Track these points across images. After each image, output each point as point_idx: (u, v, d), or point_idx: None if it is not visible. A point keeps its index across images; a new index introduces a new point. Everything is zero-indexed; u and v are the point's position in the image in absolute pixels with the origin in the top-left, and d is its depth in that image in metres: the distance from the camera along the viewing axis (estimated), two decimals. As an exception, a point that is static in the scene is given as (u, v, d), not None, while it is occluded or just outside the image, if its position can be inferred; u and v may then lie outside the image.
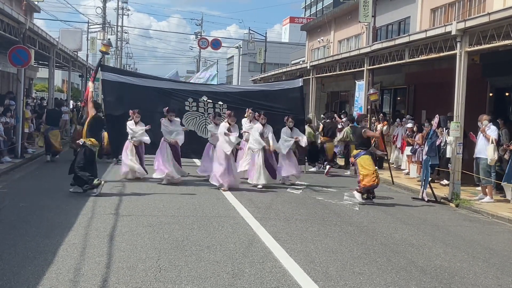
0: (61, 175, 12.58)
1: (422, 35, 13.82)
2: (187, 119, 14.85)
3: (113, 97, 14.93)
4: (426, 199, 12.17)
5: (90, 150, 10.91)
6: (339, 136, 18.18)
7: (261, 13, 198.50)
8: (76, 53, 28.11)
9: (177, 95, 15.04)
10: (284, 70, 28.97)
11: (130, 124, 13.35)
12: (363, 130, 11.50)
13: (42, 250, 6.73)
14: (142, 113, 13.39)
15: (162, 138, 13.11)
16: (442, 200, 12.26)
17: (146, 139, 13.22)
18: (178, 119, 13.63)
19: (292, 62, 43.20)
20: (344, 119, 21.65)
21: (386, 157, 15.72)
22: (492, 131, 12.18)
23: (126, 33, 63.38)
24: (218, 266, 6.35)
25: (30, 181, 12.92)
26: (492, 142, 12.01)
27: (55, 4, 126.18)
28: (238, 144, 13.10)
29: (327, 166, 16.84)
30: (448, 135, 13.40)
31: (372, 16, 23.90)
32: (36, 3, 31.44)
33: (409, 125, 16.58)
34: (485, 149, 12.19)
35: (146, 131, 13.21)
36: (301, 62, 32.56)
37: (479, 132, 12.45)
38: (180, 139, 13.08)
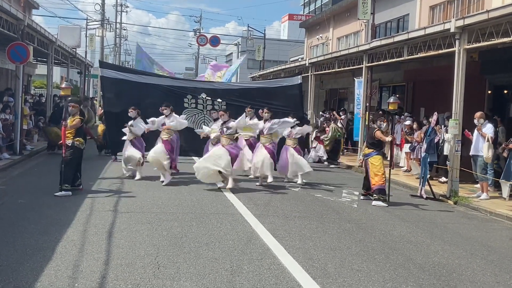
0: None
1: (421, 33, 13.82)
2: (186, 116, 14.84)
3: (112, 93, 14.93)
4: (424, 196, 12.18)
5: (79, 149, 10.79)
6: (328, 134, 18.26)
7: (260, 10, 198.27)
8: (74, 50, 28.07)
9: (176, 92, 15.04)
10: (283, 67, 28.94)
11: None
12: (375, 131, 11.33)
13: (40, 246, 6.74)
14: (141, 110, 13.26)
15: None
16: (440, 198, 12.28)
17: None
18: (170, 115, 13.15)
19: (291, 59, 43.19)
20: (343, 116, 21.69)
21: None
22: (488, 129, 12.19)
23: (124, 30, 63.27)
24: (217, 263, 6.36)
25: (28, 178, 12.92)
26: (488, 140, 12.01)
27: (53, 0, 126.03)
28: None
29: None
30: (446, 133, 13.42)
31: (371, 13, 23.89)
32: (34, -1, 31.40)
33: (408, 122, 16.59)
34: (481, 147, 12.21)
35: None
36: (300, 59, 32.54)
37: (475, 129, 12.45)
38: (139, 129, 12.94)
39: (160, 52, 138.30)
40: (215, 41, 46.60)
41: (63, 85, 13.08)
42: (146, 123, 12.94)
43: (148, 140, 13.28)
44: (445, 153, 13.97)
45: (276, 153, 13.02)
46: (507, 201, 11.86)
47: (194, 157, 16.26)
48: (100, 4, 47.55)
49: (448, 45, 12.82)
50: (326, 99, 30.78)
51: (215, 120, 13.20)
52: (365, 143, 12.34)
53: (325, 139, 18.38)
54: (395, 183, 14.51)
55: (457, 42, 12.17)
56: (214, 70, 25.45)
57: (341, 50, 21.62)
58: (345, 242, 7.79)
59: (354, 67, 19.13)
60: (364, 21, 25.73)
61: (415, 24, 23.09)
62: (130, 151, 12.90)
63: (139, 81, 14.96)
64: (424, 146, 12.60)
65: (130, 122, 12.88)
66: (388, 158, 17.20)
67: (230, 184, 11.94)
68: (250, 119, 13.57)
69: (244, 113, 13.33)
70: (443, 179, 14.19)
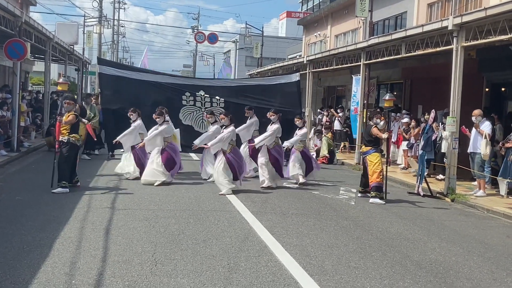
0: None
1: (419, 30, 13.82)
2: (184, 113, 14.84)
3: (110, 90, 14.92)
4: (421, 193, 12.20)
5: (74, 145, 10.74)
6: (323, 147, 18.30)
7: (258, 7, 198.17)
8: (72, 46, 27.99)
9: (174, 89, 15.04)
10: (281, 64, 28.93)
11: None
12: (372, 128, 11.30)
13: (38, 243, 6.73)
14: (138, 107, 13.14)
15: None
16: (437, 195, 12.29)
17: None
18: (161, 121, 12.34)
19: (289, 56, 43.14)
20: (340, 114, 21.71)
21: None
22: (485, 126, 12.20)
23: (122, 27, 63.18)
24: (214, 260, 6.37)
25: (26, 174, 12.90)
26: (485, 137, 12.03)
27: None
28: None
29: None
30: (444, 130, 13.43)
31: (369, 10, 23.91)
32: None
33: (405, 120, 16.60)
34: (479, 144, 12.22)
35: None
36: (297, 57, 32.53)
37: (473, 127, 12.47)
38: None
39: (158, 49, 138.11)
40: (213, 38, 46.60)
41: (60, 80, 12.99)
42: (146, 122, 12.70)
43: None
44: (442, 150, 14.00)
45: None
46: (505, 198, 11.88)
47: (191, 154, 16.32)
48: (98, 1, 47.53)
49: (445, 43, 12.83)
50: (324, 97, 30.80)
51: (212, 123, 12.42)
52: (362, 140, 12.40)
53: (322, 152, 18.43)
54: (393, 181, 14.53)
55: (454, 39, 12.18)
56: None
57: (339, 47, 21.61)
58: (342, 239, 7.80)
59: (352, 64, 19.14)
60: (362, 18, 25.74)
61: (413, 21, 23.09)
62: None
63: (137, 78, 14.96)
64: (422, 143, 12.61)
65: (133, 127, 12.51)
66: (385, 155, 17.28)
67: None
68: (250, 118, 13.40)
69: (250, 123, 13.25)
70: (441, 176, 14.21)
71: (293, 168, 12.84)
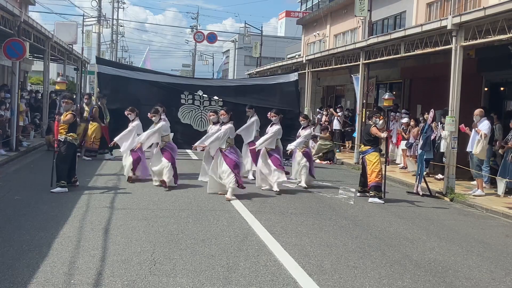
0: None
1: (418, 30, 13.82)
2: (183, 112, 14.85)
3: (108, 90, 14.93)
4: (420, 193, 12.21)
5: (72, 144, 10.72)
6: (314, 151, 18.25)
7: (257, 6, 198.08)
8: (71, 46, 27.97)
9: (172, 88, 15.05)
10: (280, 64, 28.94)
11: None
12: (371, 127, 11.26)
13: (37, 243, 6.73)
14: (136, 107, 13.05)
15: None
16: (436, 194, 12.30)
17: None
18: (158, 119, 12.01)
19: (288, 56, 43.15)
20: (339, 113, 21.70)
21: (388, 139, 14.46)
22: (483, 126, 12.20)
23: (121, 26, 63.01)
24: (213, 260, 6.36)
25: (25, 174, 12.89)
26: (480, 137, 12.04)
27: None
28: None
29: None
30: (443, 130, 13.44)
31: (368, 10, 23.89)
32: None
33: (405, 119, 16.60)
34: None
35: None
36: (296, 56, 32.54)
37: (472, 126, 12.48)
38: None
39: (157, 48, 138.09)
40: (212, 37, 46.58)
41: (58, 79, 12.89)
42: (144, 122, 12.54)
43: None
44: (441, 150, 14.00)
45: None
46: (503, 198, 11.89)
47: (190, 153, 16.32)
48: (97, 0, 47.43)
49: (445, 42, 12.83)
50: (323, 96, 30.81)
51: (215, 123, 11.89)
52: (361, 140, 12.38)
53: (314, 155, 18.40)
54: (392, 180, 14.54)
55: (453, 39, 12.18)
56: None
57: (338, 47, 21.62)
58: (341, 238, 7.80)
59: (351, 64, 19.14)
60: (361, 18, 25.74)
61: (412, 21, 23.09)
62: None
63: (136, 77, 14.97)
64: (421, 143, 12.61)
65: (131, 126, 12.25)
66: (384, 155, 17.28)
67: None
68: (251, 118, 13.24)
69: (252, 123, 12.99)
70: (440, 176, 14.22)
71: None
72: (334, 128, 21.44)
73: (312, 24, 37.40)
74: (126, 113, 12.41)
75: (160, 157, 11.58)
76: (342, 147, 21.52)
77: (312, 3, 57.72)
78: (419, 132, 14.19)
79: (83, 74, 34.12)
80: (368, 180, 11.11)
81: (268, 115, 12.49)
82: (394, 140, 17.72)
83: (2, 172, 12.83)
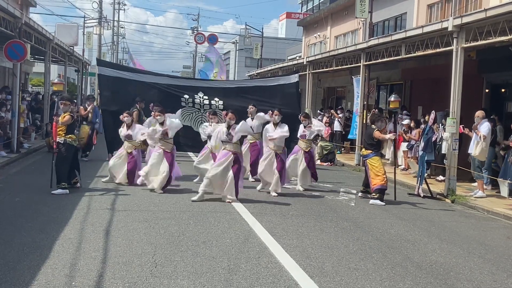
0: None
1: (419, 31, 13.82)
2: (183, 114, 14.81)
3: (109, 91, 14.92)
4: (422, 195, 12.20)
5: (71, 146, 10.68)
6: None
7: (258, 8, 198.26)
8: (72, 47, 27.98)
9: (173, 90, 15.03)
10: (281, 65, 28.95)
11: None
12: (374, 131, 11.17)
13: (37, 245, 6.72)
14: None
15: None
16: (438, 196, 12.29)
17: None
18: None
19: (289, 57, 43.13)
20: (340, 115, 21.70)
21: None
22: (483, 128, 12.20)
23: (122, 28, 63.10)
24: (214, 262, 6.36)
25: (26, 176, 12.89)
26: (480, 138, 12.03)
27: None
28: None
29: None
30: (445, 131, 13.42)
31: (369, 11, 23.86)
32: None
33: (406, 121, 16.59)
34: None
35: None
36: (297, 58, 32.52)
37: (472, 128, 12.49)
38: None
39: (158, 50, 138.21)
40: (213, 39, 46.52)
41: (55, 80, 12.77)
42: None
43: None
44: (443, 151, 13.98)
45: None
46: (506, 199, 11.88)
47: (190, 155, 16.31)
48: (98, 2, 47.52)
49: (445, 44, 12.83)
50: (324, 98, 30.81)
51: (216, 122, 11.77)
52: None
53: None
54: (393, 182, 14.52)
55: (454, 40, 12.18)
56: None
57: (338, 48, 21.62)
58: (343, 240, 7.79)
59: (351, 65, 19.14)
60: (362, 19, 25.71)
61: (413, 22, 23.09)
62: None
63: (136, 79, 14.95)
64: (422, 144, 12.60)
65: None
66: (387, 157, 17.29)
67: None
68: (252, 118, 13.10)
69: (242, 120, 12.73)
70: (441, 177, 14.20)
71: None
72: (335, 129, 21.44)
73: (312, 25, 37.40)
74: (121, 118, 12.20)
75: (161, 161, 11.15)
76: (342, 149, 21.50)
77: (313, 4, 57.81)
78: (421, 134, 14.19)
79: (84, 76, 34.13)
80: (372, 184, 11.08)
81: (270, 114, 12.33)
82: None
83: (3, 174, 12.83)
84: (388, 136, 11.16)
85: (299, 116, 13.03)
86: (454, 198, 11.99)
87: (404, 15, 24.89)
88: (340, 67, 20.45)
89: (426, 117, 14.50)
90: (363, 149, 11.64)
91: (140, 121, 14.34)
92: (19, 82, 16.87)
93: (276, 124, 11.84)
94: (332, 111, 22.76)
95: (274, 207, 10.05)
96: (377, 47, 16.64)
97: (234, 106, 14.02)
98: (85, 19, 45.36)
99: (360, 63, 17.96)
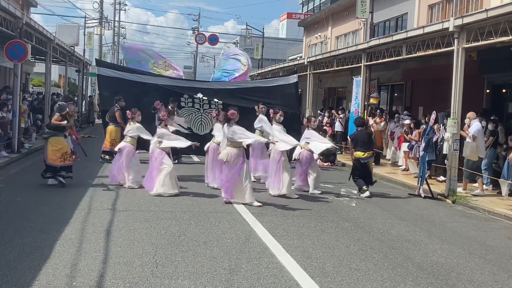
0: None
1: (420, 32, 13.81)
2: (182, 115, 14.83)
3: (108, 92, 14.93)
4: (422, 195, 12.19)
5: None
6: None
7: (259, 8, 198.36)
8: (73, 48, 28.03)
9: (172, 91, 15.03)
10: (281, 66, 28.95)
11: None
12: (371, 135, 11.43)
13: (38, 245, 6.72)
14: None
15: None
16: (438, 197, 12.28)
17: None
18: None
19: (289, 58, 43.18)
20: (341, 115, 21.68)
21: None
22: (472, 128, 12.29)
23: (123, 28, 63.09)
24: (215, 262, 6.35)
25: (26, 176, 12.88)
26: (470, 138, 12.22)
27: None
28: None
29: None
30: (446, 132, 13.42)
31: (370, 12, 23.90)
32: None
33: (407, 121, 16.58)
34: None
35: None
36: (298, 58, 32.53)
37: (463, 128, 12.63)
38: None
39: (159, 50, 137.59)
40: (213, 39, 46.63)
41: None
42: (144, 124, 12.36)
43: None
44: (444, 152, 13.97)
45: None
46: (506, 200, 11.88)
47: (192, 156, 16.31)
48: (99, 2, 47.54)
49: (446, 44, 12.82)
50: (325, 98, 30.80)
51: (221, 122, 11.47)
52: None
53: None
54: (394, 182, 14.54)
55: (455, 41, 12.17)
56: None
57: (339, 48, 21.62)
58: (344, 241, 7.78)
59: (352, 66, 19.13)
60: (363, 20, 25.73)
61: (414, 23, 23.09)
62: None
63: (136, 80, 14.97)
64: (423, 145, 12.60)
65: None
66: (388, 157, 17.31)
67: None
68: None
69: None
70: (442, 178, 14.20)
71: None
72: (335, 130, 21.43)
73: (313, 26, 37.41)
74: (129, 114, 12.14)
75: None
76: (343, 149, 21.48)
77: (314, 4, 57.83)
78: (421, 134, 14.19)
79: (84, 76, 34.16)
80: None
81: (272, 113, 12.03)
82: (396, 144, 17.72)
83: (4, 174, 12.84)
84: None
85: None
86: (455, 198, 11.98)
87: (405, 16, 24.90)
88: (341, 68, 20.44)
89: (426, 118, 14.51)
90: (365, 153, 11.95)
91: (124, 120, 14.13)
92: (20, 82, 16.88)
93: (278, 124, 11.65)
94: (333, 111, 22.75)
95: (275, 207, 10.04)
96: (378, 48, 16.63)
97: (234, 107, 14.01)
98: (86, 19, 45.44)
99: (361, 63, 17.96)
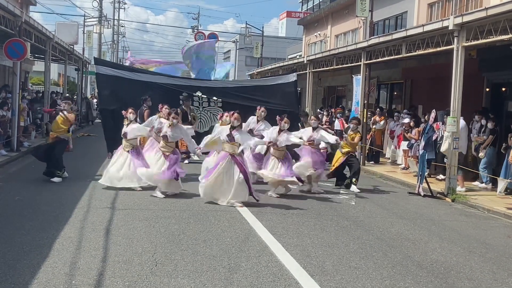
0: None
1: (419, 30, 13.80)
2: (197, 114, 14.82)
3: (107, 91, 14.89)
4: (422, 193, 12.19)
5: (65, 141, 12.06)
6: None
7: (258, 7, 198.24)
8: (72, 46, 28.00)
9: (171, 89, 15.00)
10: (281, 64, 28.91)
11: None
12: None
13: (37, 243, 6.72)
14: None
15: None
16: (438, 195, 12.28)
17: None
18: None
19: (289, 56, 43.14)
20: (338, 115, 21.64)
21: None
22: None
23: (122, 26, 63.16)
24: (215, 260, 6.35)
25: (25, 174, 12.88)
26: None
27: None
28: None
29: None
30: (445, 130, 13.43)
31: (369, 10, 23.88)
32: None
33: (406, 120, 16.57)
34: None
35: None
36: (298, 57, 32.53)
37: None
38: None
39: (158, 49, 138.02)
40: (213, 38, 46.54)
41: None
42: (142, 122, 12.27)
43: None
44: (442, 150, 13.97)
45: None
46: (503, 198, 11.89)
47: (192, 155, 16.27)
48: (98, 1, 47.52)
49: (446, 43, 12.81)
50: (324, 97, 30.78)
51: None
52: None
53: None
54: (393, 181, 14.54)
55: (455, 39, 12.16)
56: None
57: (339, 47, 21.60)
58: (343, 239, 7.78)
59: (352, 64, 19.11)
60: (362, 18, 25.70)
61: (414, 21, 23.07)
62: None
63: (135, 78, 14.91)
64: (422, 143, 12.60)
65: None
66: (387, 156, 17.30)
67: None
68: (258, 121, 12.74)
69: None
70: (441, 176, 14.19)
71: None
72: (335, 128, 21.39)
73: (313, 24, 37.39)
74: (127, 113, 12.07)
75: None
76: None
77: (313, 3, 57.73)
78: (421, 133, 14.19)
79: (84, 75, 34.14)
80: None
81: (279, 121, 11.54)
82: (396, 143, 17.71)
83: (3, 173, 12.84)
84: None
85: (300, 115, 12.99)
86: (454, 197, 11.97)
87: (405, 14, 24.89)
88: (340, 66, 20.41)
89: (426, 116, 14.50)
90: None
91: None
92: (19, 80, 16.86)
93: (281, 131, 11.24)
94: (333, 109, 22.71)
95: (274, 206, 10.04)
96: (377, 46, 16.62)
97: (233, 105, 14.01)
98: (85, 17, 45.46)
99: (360, 62, 17.93)
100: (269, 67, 31.41)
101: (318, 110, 25.03)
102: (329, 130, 12.85)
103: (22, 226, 7.59)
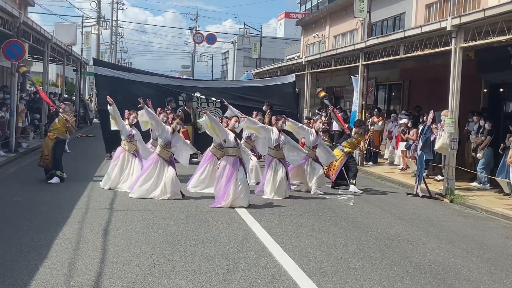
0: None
1: (417, 31, 13.81)
2: (197, 111, 14.81)
3: (106, 91, 14.87)
4: (420, 194, 12.20)
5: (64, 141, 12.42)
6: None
7: (257, 8, 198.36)
8: (70, 47, 27.99)
9: (170, 90, 15.00)
10: (279, 65, 28.92)
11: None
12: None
13: (36, 244, 6.71)
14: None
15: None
16: (436, 196, 12.29)
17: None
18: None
19: (287, 57, 43.14)
20: (339, 115, 21.65)
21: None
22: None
23: (121, 27, 63.05)
24: (213, 261, 6.35)
25: (24, 175, 12.87)
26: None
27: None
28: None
29: None
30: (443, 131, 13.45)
31: (368, 11, 23.87)
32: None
33: (404, 120, 16.59)
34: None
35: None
36: (296, 57, 32.51)
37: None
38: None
39: (156, 50, 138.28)
40: (211, 39, 46.63)
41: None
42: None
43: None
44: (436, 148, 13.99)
45: None
46: (501, 199, 11.91)
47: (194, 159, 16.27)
48: (96, 2, 47.46)
49: (444, 44, 12.83)
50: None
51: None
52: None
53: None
54: (391, 181, 14.55)
55: (453, 40, 12.18)
56: None
57: (337, 48, 21.60)
58: (341, 240, 7.79)
59: (350, 65, 19.11)
60: (361, 19, 25.71)
61: (412, 22, 23.10)
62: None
63: (133, 79, 14.91)
64: (420, 144, 12.61)
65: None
66: (386, 157, 17.31)
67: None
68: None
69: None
70: (439, 177, 14.21)
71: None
72: (333, 129, 21.42)
73: (311, 25, 37.40)
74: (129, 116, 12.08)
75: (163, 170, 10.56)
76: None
77: (311, 4, 57.80)
78: (419, 134, 14.21)
79: (82, 75, 34.11)
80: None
81: (280, 122, 11.47)
82: (395, 144, 17.73)
83: (1, 174, 12.83)
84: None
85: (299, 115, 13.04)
86: (452, 197, 11.98)
87: (403, 15, 24.90)
88: (338, 67, 20.42)
89: (424, 117, 14.52)
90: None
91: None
92: (17, 81, 16.85)
93: (281, 131, 11.31)
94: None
95: (273, 207, 10.05)
96: (375, 47, 16.63)
97: (232, 105, 14.02)
98: (84, 18, 45.32)
99: (358, 62, 17.94)
100: (267, 68, 31.41)
101: (317, 111, 25.06)
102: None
103: (21, 227, 7.58)
